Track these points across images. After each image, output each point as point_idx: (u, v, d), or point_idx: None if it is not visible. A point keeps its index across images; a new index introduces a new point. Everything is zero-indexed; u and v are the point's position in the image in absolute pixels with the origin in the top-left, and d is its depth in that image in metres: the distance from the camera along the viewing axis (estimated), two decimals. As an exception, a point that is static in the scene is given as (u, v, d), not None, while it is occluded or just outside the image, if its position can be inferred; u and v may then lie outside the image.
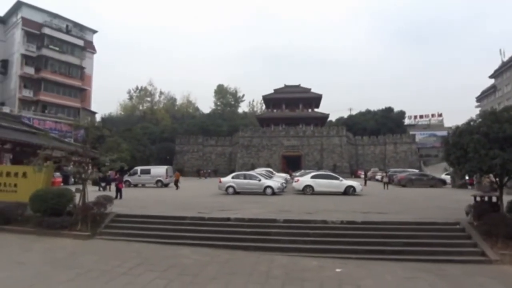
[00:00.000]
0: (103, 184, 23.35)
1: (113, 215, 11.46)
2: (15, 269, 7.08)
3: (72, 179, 25.53)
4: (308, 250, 8.90)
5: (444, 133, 53.39)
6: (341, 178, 21.30)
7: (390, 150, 56.99)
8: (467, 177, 24.83)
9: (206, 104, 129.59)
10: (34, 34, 45.72)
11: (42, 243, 9.49)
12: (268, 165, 46.11)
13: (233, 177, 21.34)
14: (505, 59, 55.88)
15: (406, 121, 73.15)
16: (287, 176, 32.05)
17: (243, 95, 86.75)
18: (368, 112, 71.71)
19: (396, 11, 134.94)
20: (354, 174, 49.08)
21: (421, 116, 75.35)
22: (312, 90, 65.36)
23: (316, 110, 65.18)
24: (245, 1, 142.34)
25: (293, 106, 64.64)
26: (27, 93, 44.93)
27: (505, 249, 8.52)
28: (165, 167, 30.36)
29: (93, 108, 54.52)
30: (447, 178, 30.12)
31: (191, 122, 70.12)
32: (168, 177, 28.89)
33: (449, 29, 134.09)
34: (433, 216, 11.42)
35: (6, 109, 38.63)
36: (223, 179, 21.58)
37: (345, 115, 76.61)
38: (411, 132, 63.00)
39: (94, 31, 54.94)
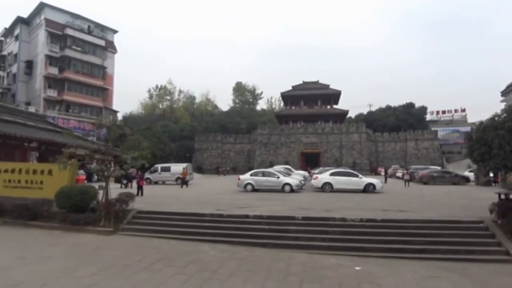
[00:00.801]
0: (124, 181, 23.90)
1: (134, 212, 11.74)
2: (42, 263, 7.36)
3: (95, 177, 26.26)
4: (327, 248, 8.83)
5: (468, 128, 51.54)
6: (360, 176, 20.92)
7: (411, 147, 55.53)
8: (491, 174, 24.02)
9: (224, 101, 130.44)
10: (57, 35, 47.12)
11: (67, 239, 9.84)
12: (286, 163, 46.02)
13: (251, 175, 21.40)
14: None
15: (428, 117, 70.77)
16: (306, 173, 31.84)
17: (261, 93, 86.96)
18: (388, 108, 70.02)
19: (419, 3, 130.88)
20: (374, 172, 48.23)
21: (443, 112, 72.39)
22: (331, 86, 64.52)
23: (335, 106, 64.28)
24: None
25: (311, 102, 64.03)
26: (52, 93, 46.42)
27: (531, 249, 8.18)
28: (185, 164, 30.77)
29: (114, 107, 55.86)
30: (471, 175, 29.30)
31: (210, 120, 70.71)
32: (187, 175, 29.30)
33: (473, 21, 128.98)
34: (455, 215, 11.11)
35: (32, 109, 40.13)
36: (241, 177, 21.65)
37: (365, 111, 75.43)
38: (433, 128, 61.00)
39: (115, 31, 56.12)
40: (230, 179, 32.13)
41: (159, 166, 29.69)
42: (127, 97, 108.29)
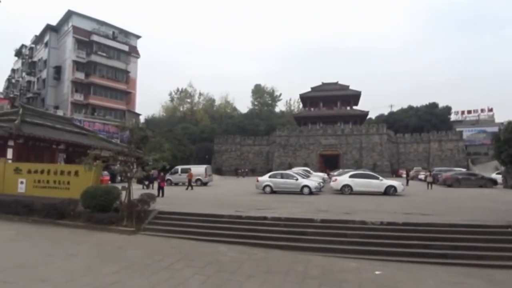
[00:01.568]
0: (146, 183, 24.45)
1: (155, 212, 11.97)
2: (68, 261, 7.66)
3: (119, 178, 27.00)
4: (346, 251, 8.72)
5: (495, 129, 49.49)
6: (381, 178, 20.50)
7: (434, 148, 53.91)
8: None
9: (243, 104, 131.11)
10: (84, 41, 48.96)
11: (92, 237, 10.18)
12: (305, 165, 45.73)
13: (270, 176, 21.39)
14: None
15: (453, 117, 68.29)
16: (325, 175, 31.53)
17: (280, 94, 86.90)
18: (410, 108, 68.20)
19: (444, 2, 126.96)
20: (395, 174, 47.15)
21: (469, 112, 69.26)
22: (351, 87, 63.61)
23: (354, 107, 63.37)
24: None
25: (331, 104, 63.38)
26: (78, 97, 48.22)
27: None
28: (204, 166, 31.17)
29: (137, 110, 57.44)
30: (498, 177, 27.86)
31: (229, 122, 71.30)
32: (207, 176, 29.67)
33: (500, 19, 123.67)
34: (481, 219, 10.68)
35: (60, 112, 41.89)
36: (260, 178, 21.70)
37: (386, 112, 73.79)
38: (458, 129, 58.91)
39: (138, 37, 57.77)
40: (249, 181, 32.25)
41: (179, 167, 30.20)
42: (149, 100, 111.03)
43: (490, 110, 68.86)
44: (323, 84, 66.27)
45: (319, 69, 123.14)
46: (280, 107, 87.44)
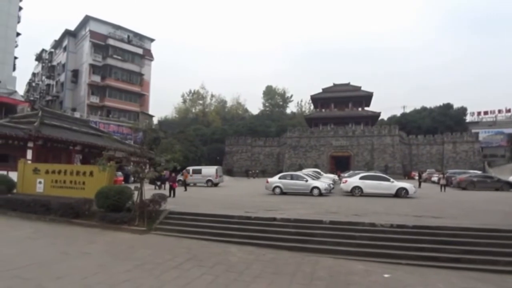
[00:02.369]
0: (158, 183, 24.79)
1: (166, 212, 12.17)
2: (82, 259, 7.90)
3: (132, 178, 27.49)
4: (355, 253, 8.68)
5: (513, 130, 48.01)
6: (392, 180, 20.24)
7: (448, 150, 52.73)
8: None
9: (255, 105, 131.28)
10: (100, 45, 50.16)
11: (105, 236, 10.44)
12: (316, 166, 45.51)
13: (280, 178, 21.40)
14: None
15: (468, 118, 66.30)
16: (335, 177, 31.33)
17: (291, 96, 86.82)
18: (423, 109, 66.89)
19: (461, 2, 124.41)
20: (407, 176, 46.37)
21: (485, 113, 66.68)
22: (363, 88, 62.99)
23: (366, 108, 62.67)
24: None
25: (342, 105, 62.88)
26: (94, 99, 49.40)
27: None
28: (215, 167, 31.40)
29: (150, 111, 58.26)
30: (516, 180, 27.17)
31: (240, 123, 71.58)
32: (218, 177, 29.88)
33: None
34: (496, 222, 10.42)
35: (77, 114, 43.04)
36: (270, 180, 21.74)
37: (398, 113, 72.53)
38: (473, 130, 57.40)
39: (152, 40, 58.73)
40: (259, 182, 32.30)
41: (190, 168, 30.50)
42: (162, 102, 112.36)
43: (508, 111, 66.49)
44: (335, 85, 65.84)
45: (330, 70, 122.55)
46: (291, 108, 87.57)
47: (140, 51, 54.23)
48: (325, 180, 22.97)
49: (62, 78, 53.64)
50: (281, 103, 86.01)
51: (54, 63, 57.95)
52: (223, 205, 14.44)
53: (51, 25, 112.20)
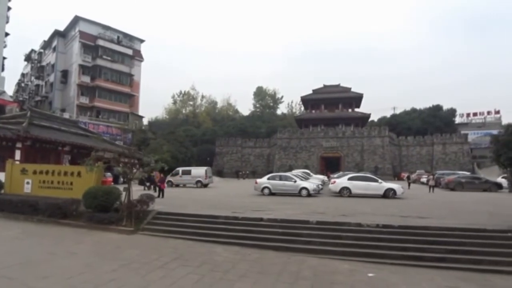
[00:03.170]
0: (147, 184, 24.64)
1: (154, 213, 12.14)
2: (68, 259, 7.87)
3: (121, 179, 27.24)
4: (341, 253, 8.76)
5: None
6: (380, 180, 20.47)
7: (438, 151, 53.54)
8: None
9: (245, 106, 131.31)
10: (90, 45, 49.65)
11: (92, 236, 10.39)
12: (306, 167, 45.76)
13: (268, 178, 21.53)
14: None
15: (458, 120, 67.49)
16: (324, 177, 31.62)
17: (282, 97, 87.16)
18: (413, 110, 67.84)
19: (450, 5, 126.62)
20: (397, 177, 46.93)
21: (474, 114, 67.83)
22: (353, 90, 63.57)
23: (356, 110, 63.27)
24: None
25: (332, 106, 63.31)
26: (84, 100, 48.87)
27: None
28: (205, 168, 31.35)
29: (140, 112, 57.87)
30: (504, 181, 27.43)
31: (230, 124, 71.56)
32: (207, 178, 29.84)
33: (507, 20, 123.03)
34: (482, 222, 10.55)
35: (66, 115, 42.51)
36: (259, 180, 21.83)
37: (388, 114, 73.33)
38: (463, 132, 58.40)
39: (142, 40, 58.37)
40: (249, 183, 32.27)
41: (180, 169, 30.36)
42: (152, 102, 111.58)
43: (497, 112, 67.35)
44: (325, 86, 66.27)
45: (321, 71, 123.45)
46: (281, 109, 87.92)
47: (130, 51, 53.87)
48: (313, 181, 23.16)
49: (51, 78, 52.92)
50: (271, 104, 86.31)
51: (44, 63, 57.14)
52: (211, 206, 14.45)
53: (41, 26, 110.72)
